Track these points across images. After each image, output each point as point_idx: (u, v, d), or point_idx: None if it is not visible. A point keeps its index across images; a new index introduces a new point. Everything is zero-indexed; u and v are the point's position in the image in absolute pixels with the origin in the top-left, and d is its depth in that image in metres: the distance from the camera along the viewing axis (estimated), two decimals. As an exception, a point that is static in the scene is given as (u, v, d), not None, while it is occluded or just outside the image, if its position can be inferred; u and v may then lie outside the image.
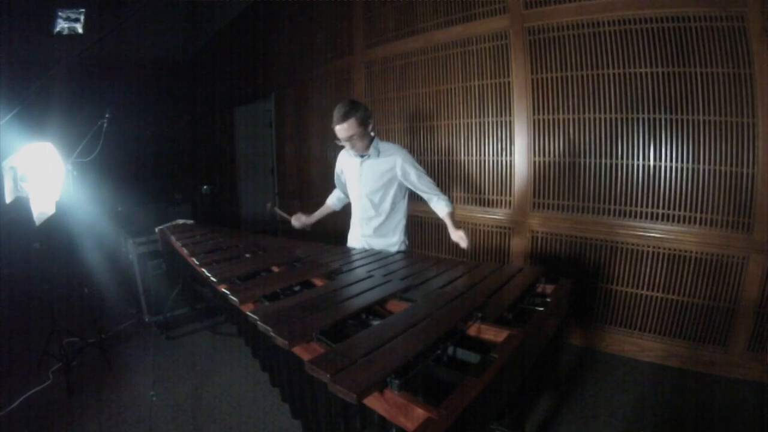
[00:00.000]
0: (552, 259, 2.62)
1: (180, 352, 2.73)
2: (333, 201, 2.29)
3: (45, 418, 2.02)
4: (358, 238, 2.11)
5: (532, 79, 2.55)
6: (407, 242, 2.09)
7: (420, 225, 3.22)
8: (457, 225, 1.89)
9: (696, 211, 2.17)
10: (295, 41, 4.30)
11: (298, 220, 2.29)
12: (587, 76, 2.38)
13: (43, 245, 2.47)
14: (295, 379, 1.18)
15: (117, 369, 2.49)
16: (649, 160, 2.26)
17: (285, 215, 2.35)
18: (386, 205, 1.98)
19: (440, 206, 1.94)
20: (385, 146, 1.94)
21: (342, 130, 1.79)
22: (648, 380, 2.20)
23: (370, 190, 1.96)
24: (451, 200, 2.04)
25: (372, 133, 1.91)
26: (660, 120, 2.21)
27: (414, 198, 2.06)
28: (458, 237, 1.84)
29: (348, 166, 2.06)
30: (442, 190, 1.98)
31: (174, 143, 6.43)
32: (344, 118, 1.77)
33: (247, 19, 5.12)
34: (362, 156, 1.93)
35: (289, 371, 1.20)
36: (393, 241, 2.04)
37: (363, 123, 1.81)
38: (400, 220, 2.04)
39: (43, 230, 2.30)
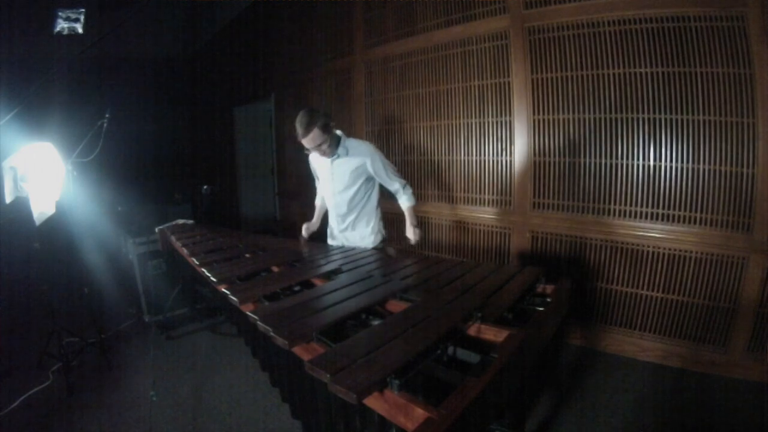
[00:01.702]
0: (552, 259, 2.61)
1: (180, 352, 2.73)
2: (321, 202, 2.33)
3: (45, 418, 2.02)
4: (335, 233, 2.20)
5: (532, 79, 2.55)
6: (383, 232, 2.18)
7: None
8: (417, 221, 2.05)
9: (696, 211, 2.17)
10: (295, 41, 4.30)
11: (306, 230, 2.28)
12: (587, 76, 2.37)
13: (43, 245, 2.47)
14: (295, 379, 1.18)
15: (117, 369, 2.49)
16: (649, 160, 2.26)
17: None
18: (359, 200, 2.06)
19: (403, 200, 2.06)
20: (353, 144, 2.01)
21: (308, 141, 1.84)
22: (648, 380, 2.20)
23: (343, 187, 2.03)
24: (415, 196, 2.12)
25: (338, 133, 1.99)
26: (660, 120, 2.21)
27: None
28: (411, 232, 2.01)
29: (319, 165, 2.12)
30: (409, 184, 2.08)
31: (174, 143, 6.43)
32: (307, 130, 1.80)
33: (247, 19, 5.11)
34: (332, 156, 1.98)
35: (289, 371, 1.20)
36: (367, 232, 2.12)
37: (325, 129, 1.84)
38: (373, 212, 2.13)
39: (43, 230, 2.30)
